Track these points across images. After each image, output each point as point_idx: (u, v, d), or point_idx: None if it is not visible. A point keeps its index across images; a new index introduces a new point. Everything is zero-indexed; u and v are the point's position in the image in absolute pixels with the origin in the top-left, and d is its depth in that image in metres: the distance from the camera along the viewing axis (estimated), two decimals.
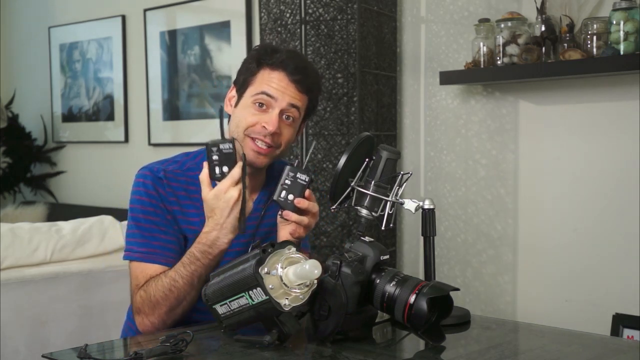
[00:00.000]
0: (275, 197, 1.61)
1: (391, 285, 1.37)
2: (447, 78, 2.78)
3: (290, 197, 1.60)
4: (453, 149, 2.93)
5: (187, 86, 4.00)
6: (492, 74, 2.65)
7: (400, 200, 1.50)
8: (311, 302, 1.37)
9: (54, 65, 4.83)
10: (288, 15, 2.87)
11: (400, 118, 3.09)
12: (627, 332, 2.43)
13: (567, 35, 2.46)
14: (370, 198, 1.48)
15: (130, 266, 1.70)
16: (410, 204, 1.52)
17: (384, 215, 1.49)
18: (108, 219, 2.89)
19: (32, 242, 2.63)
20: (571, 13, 2.49)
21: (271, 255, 1.34)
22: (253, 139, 1.66)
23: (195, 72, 3.95)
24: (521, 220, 2.77)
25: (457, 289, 1.36)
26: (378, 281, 1.39)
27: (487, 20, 2.70)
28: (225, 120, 1.75)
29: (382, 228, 1.49)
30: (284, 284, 1.32)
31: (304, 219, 1.62)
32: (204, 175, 1.57)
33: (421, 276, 1.48)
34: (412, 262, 3.08)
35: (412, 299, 1.34)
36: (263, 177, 1.79)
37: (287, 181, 1.60)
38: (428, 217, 1.54)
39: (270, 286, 1.32)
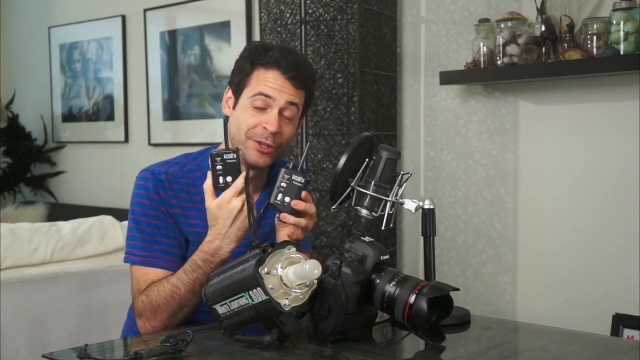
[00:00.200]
0: (271, 200, 1.61)
1: (391, 285, 1.38)
2: (447, 78, 2.78)
3: (287, 199, 1.60)
4: (453, 149, 2.93)
5: (187, 86, 4.00)
6: (492, 74, 2.64)
7: (400, 200, 1.50)
8: (311, 302, 1.37)
9: (54, 65, 4.83)
10: (288, 15, 2.87)
11: (400, 118, 3.09)
12: (627, 332, 2.43)
13: (567, 35, 2.46)
14: (370, 198, 1.48)
15: (132, 269, 1.70)
16: (410, 204, 1.52)
17: (384, 215, 1.49)
18: (108, 219, 2.89)
19: (32, 242, 2.63)
20: (571, 13, 2.49)
21: (271, 255, 1.34)
22: (254, 140, 1.66)
23: (195, 72, 3.95)
24: (521, 220, 2.77)
25: (457, 289, 1.36)
26: (378, 281, 1.39)
27: (487, 20, 2.70)
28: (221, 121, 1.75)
29: (382, 228, 1.49)
30: (284, 284, 1.32)
31: (302, 221, 1.62)
32: (208, 184, 1.58)
33: (421, 276, 1.48)
34: (412, 262, 3.08)
35: (412, 299, 1.34)
36: (264, 178, 1.79)
37: (282, 184, 1.60)
38: (428, 217, 1.55)
39: (270, 286, 1.32)
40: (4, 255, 2.54)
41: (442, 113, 2.97)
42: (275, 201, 1.60)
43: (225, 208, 1.55)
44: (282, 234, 1.64)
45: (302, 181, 1.61)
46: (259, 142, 1.66)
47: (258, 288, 1.32)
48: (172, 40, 4.05)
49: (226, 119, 1.61)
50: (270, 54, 1.67)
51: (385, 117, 2.97)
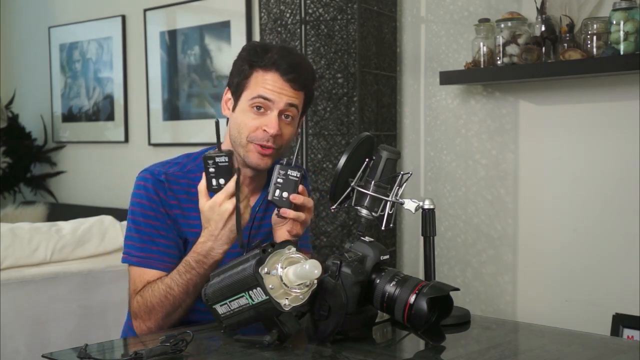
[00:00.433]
0: (269, 197, 1.61)
1: (391, 285, 1.38)
2: (447, 78, 2.78)
3: (285, 194, 1.60)
4: (453, 149, 2.93)
5: (187, 86, 4.00)
6: (492, 74, 2.64)
7: (400, 200, 1.50)
8: (311, 302, 1.37)
9: (54, 65, 4.83)
10: (288, 15, 2.87)
11: (400, 118, 3.09)
12: (627, 332, 2.43)
13: (567, 35, 2.46)
14: (370, 198, 1.48)
15: (129, 270, 1.70)
16: (410, 204, 1.52)
17: (384, 215, 1.49)
18: (108, 219, 2.90)
19: (32, 242, 2.63)
20: (571, 13, 2.49)
21: (271, 255, 1.34)
22: (255, 143, 1.66)
23: (195, 72, 3.95)
24: (521, 220, 2.77)
25: (457, 289, 1.36)
26: (378, 281, 1.39)
27: (487, 20, 2.70)
28: (224, 121, 1.75)
29: (382, 228, 1.49)
30: (284, 284, 1.32)
31: (301, 215, 1.62)
32: (202, 186, 1.58)
33: (421, 276, 1.48)
34: (412, 262, 3.08)
35: (412, 299, 1.34)
36: (264, 178, 1.79)
37: (279, 180, 1.61)
38: (428, 217, 1.55)
39: (270, 286, 1.32)
40: (4, 255, 2.54)
41: (442, 113, 2.97)
42: (274, 197, 1.61)
43: (217, 211, 1.56)
44: (281, 233, 1.64)
45: (298, 175, 1.61)
46: (260, 145, 1.66)
47: (258, 288, 1.32)
48: (172, 40, 4.05)
49: (217, 122, 1.61)
50: (268, 55, 1.66)
51: (385, 117, 2.97)
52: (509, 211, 2.79)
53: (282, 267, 1.33)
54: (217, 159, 1.56)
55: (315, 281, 1.35)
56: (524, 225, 2.76)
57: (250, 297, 1.35)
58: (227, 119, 1.75)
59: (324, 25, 2.82)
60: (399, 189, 1.49)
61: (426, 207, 1.54)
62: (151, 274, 1.65)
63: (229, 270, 1.41)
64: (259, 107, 1.65)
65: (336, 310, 1.36)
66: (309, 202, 1.63)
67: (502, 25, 2.61)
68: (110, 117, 4.46)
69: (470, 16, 2.84)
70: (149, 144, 4.20)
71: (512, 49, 2.57)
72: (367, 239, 1.44)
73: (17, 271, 2.56)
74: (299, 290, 1.33)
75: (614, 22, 2.33)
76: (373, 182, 1.48)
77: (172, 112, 4.08)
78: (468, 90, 2.88)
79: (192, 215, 1.68)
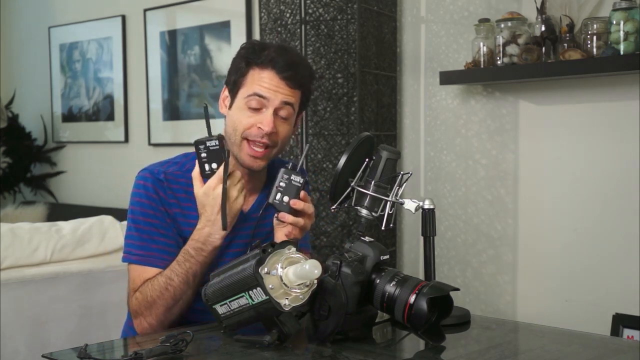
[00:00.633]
0: (270, 200, 1.62)
1: (391, 285, 1.38)
2: (447, 78, 2.78)
3: (286, 199, 1.61)
4: (453, 149, 2.93)
5: (187, 86, 4.00)
6: (492, 74, 2.64)
7: (400, 200, 1.50)
8: (311, 302, 1.37)
9: (54, 65, 4.83)
10: (288, 15, 2.87)
11: (400, 118, 3.09)
12: (627, 332, 2.43)
13: (567, 35, 2.46)
14: (370, 198, 1.48)
15: (129, 269, 1.70)
16: (410, 204, 1.52)
17: (384, 215, 1.49)
18: (108, 219, 2.89)
19: (32, 242, 2.63)
20: (571, 13, 2.49)
21: (271, 255, 1.34)
22: (250, 142, 1.66)
23: (195, 72, 3.95)
24: (521, 220, 2.77)
25: (457, 289, 1.36)
26: (378, 281, 1.39)
27: (487, 20, 2.70)
28: (222, 121, 1.75)
29: (382, 228, 1.49)
30: (284, 284, 1.32)
31: (300, 221, 1.62)
32: (196, 172, 1.60)
33: (421, 276, 1.48)
34: (412, 262, 3.08)
35: (412, 299, 1.34)
36: (264, 177, 1.79)
37: (281, 183, 1.61)
38: (428, 217, 1.55)
39: (270, 286, 1.32)
40: (4, 255, 2.54)
41: (442, 113, 2.97)
42: (274, 201, 1.61)
43: (211, 195, 1.57)
44: (280, 234, 1.64)
45: (301, 181, 1.61)
46: (254, 142, 1.66)
47: (258, 288, 1.32)
48: (172, 40, 4.05)
49: (206, 107, 1.62)
50: (265, 53, 1.66)
51: (385, 117, 2.97)
52: (509, 211, 2.79)
53: (282, 267, 1.33)
54: (208, 143, 1.58)
55: (315, 281, 1.35)
56: (524, 225, 2.76)
57: (250, 297, 1.35)
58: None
59: (324, 25, 2.82)
60: (399, 189, 1.49)
61: (426, 207, 1.54)
62: (151, 272, 1.65)
63: (229, 270, 1.41)
64: (254, 105, 1.65)
65: (336, 310, 1.36)
66: (309, 208, 1.64)
67: (502, 25, 2.61)
68: (110, 117, 4.46)
69: (470, 16, 2.84)
70: (149, 144, 4.20)
71: (512, 49, 2.57)
72: (367, 239, 1.44)
73: (17, 271, 2.56)
74: (299, 290, 1.33)
75: (614, 22, 2.33)
76: (373, 182, 1.48)
77: (172, 112, 4.08)
78: (468, 90, 2.88)
79: (192, 215, 1.68)
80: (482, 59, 2.67)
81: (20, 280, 2.53)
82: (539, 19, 2.54)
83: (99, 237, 2.81)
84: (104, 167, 4.53)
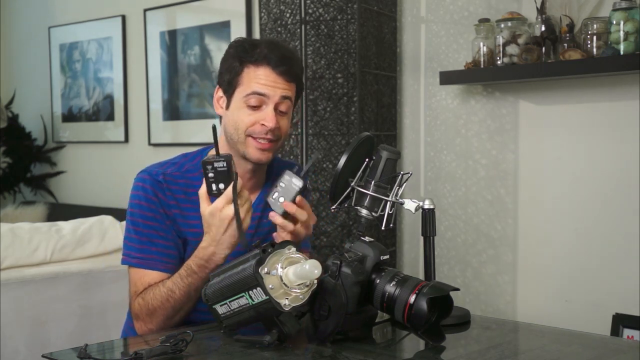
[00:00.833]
0: (267, 198, 1.61)
1: (391, 285, 1.37)
2: (447, 78, 2.78)
3: (281, 199, 1.60)
4: (453, 149, 2.93)
5: (187, 86, 4.00)
6: (492, 74, 2.64)
7: (400, 200, 1.50)
8: (311, 302, 1.37)
9: (54, 65, 4.83)
10: (288, 15, 2.87)
11: (400, 118, 3.09)
12: (627, 332, 2.43)
13: (567, 35, 2.46)
14: (370, 198, 1.48)
15: (129, 271, 1.70)
16: (410, 204, 1.52)
17: (384, 215, 1.49)
18: (108, 219, 2.90)
19: (32, 242, 2.63)
20: (571, 13, 2.49)
21: (271, 255, 1.34)
22: (254, 137, 1.66)
23: (195, 72, 3.95)
24: (521, 220, 2.77)
25: (457, 289, 1.36)
26: (378, 281, 1.39)
27: (487, 20, 2.70)
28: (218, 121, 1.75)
29: (382, 228, 1.49)
30: (284, 284, 1.32)
31: (288, 225, 1.60)
32: (202, 191, 1.57)
33: (421, 276, 1.48)
34: (412, 262, 3.08)
35: (412, 299, 1.34)
36: (263, 176, 1.79)
37: (281, 184, 1.60)
38: (428, 217, 1.55)
39: (270, 286, 1.32)
40: (4, 255, 2.54)
41: (442, 113, 2.97)
42: (270, 199, 1.61)
43: (217, 216, 1.55)
44: (283, 235, 1.64)
45: (299, 185, 1.60)
46: (260, 139, 1.66)
47: (258, 288, 1.32)
48: (172, 40, 4.05)
49: (214, 127, 1.61)
50: (258, 50, 1.66)
51: (385, 117, 2.97)
52: (509, 211, 2.79)
53: (282, 267, 1.33)
54: (216, 164, 1.54)
55: (315, 281, 1.35)
56: (524, 225, 2.76)
57: (250, 297, 1.35)
58: (220, 117, 1.75)
59: (324, 25, 2.82)
60: (399, 189, 1.49)
61: (426, 207, 1.54)
62: (151, 275, 1.65)
63: (229, 271, 1.41)
64: (254, 103, 1.65)
65: (336, 310, 1.36)
66: (302, 215, 1.60)
67: (502, 25, 2.61)
68: (110, 117, 4.46)
69: (470, 16, 2.84)
70: (149, 144, 4.20)
71: (512, 49, 2.57)
72: (367, 239, 1.44)
73: (17, 271, 2.56)
74: (299, 290, 1.33)
75: (614, 22, 2.33)
76: (373, 182, 1.48)
77: (172, 112, 4.08)
78: (468, 90, 2.88)
79: (191, 215, 1.68)
80: (482, 59, 2.67)
81: (20, 280, 2.53)
82: (539, 19, 2.54)
83: (99, 237, 2.81)
84: (104, 167, 4.53)
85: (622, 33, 2.32)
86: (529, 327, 1.67)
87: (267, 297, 1.32)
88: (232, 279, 1.39)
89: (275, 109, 1.66)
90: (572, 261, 2.64)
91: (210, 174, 1.55)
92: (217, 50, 3.83)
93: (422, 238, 1.57)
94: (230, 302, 1.40)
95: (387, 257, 1.43)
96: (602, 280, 2.56)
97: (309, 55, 2.83)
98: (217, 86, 1.73)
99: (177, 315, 1.62)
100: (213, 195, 1.56)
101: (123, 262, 1.70)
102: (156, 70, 4.13)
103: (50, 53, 4.84)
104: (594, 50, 2.39)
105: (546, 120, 2.69)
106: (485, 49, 2.67)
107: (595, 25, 2.39)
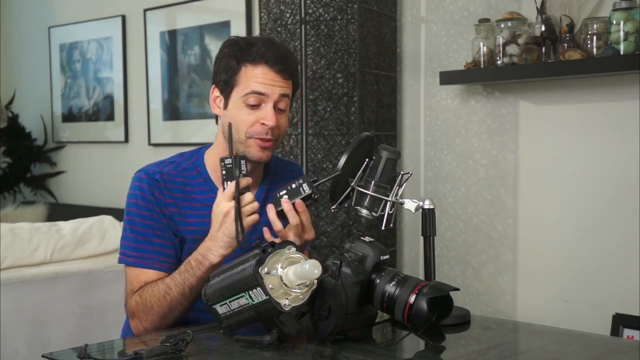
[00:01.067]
0: (275, 192, 1.63)
1: (391, 285, 1.38)
2: (447, 78, 2.78)
3: (285, 197, 1.61)
4: (453, 149, 2.93)
5: (187, 86, 4.00)
6: (492, 74, 2.64)
7: (400, 200, 1.50)
8: (311, 302, 1.37)
9: (54, 65, 4.83)
10: (288, 15, 2.87)
11: (400, 118, 3.09)
12: (627, 332, 2.43)
13: (567, 35, 2.46)
14: (370, 198, 1.48)
15: (125, 270, 1.70)
16: (410, 204, 1.52)
17: (384, 215, 1.49)
18: (108, 219, 2.90)
19: (32, 242, 2.63)
20: (571, 13, 2.49)
21: (271, 255, 1.34)
22: (254, 138, 1.67)
23: (195, 72, 3.95)
24: (521, 220, 2.77)
25: (457, 289, 1.37)
26: (378, 281, 1.39)
27: (487, 20, 2.70)
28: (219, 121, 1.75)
29: (382, 228, 1.49)
30: (284, 284, 1.32)
31: (277, 223, 1.61)
32: (220, 188, 1.61)
33: (421, 276, 1.48)
34: (412, 262, 3.08)
35: (412, 299, 1.34)
36: (261, 173, 1.79)
37: (293, 185, 1.62)
38: (428, 217, 1.55)
39: (270, 286, 1.32)
40: (4, 255, 2.54)
41: (442, 113, 2.97)
42: (277, 194, 1.62)
43: (215, 211, 1.58)
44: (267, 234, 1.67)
45: (306, 192, 1.60)
46: (260, 139, 1.66)
47: (258, 288, 1.32)
48: (172, 40, 4.05)
49: (230, 125, 1.62)
50: (254, 48, 1.66)
51: (385, 117, 2.97)
52: (509, 211, 2.79)
53: (282, 267, 1.33)
54: (227, 161, 1.59)
55: (315, 281, 1.35)
56: (524, 225, 2.76)
57: (250, 297, 1.35)
58: (217, 116, 1.75)
59: (324, 25, 2.82)
60: (399, 189, 1.50)
61: (426, 207, 1.54)
62: (148, 274, 1.66)
63: (229, 270, 1.42)
64: (253, 102, 1.65)
65: (336, 310, 1.36)
66: (294, 217, 1.59)
67: (502, 25, 2.61)
68: (110, 117, 4.46)
69: (470, 16, 2.84)
70: (149, 144, 4.20)
71: (512, 49, 2.57)
72: (367, 239, 1.44)
73: (17, 271, 2.56)
74: (299, 290, 1.33)
75: (614, 22, 2.33)
76: (373, 182, 1.48)
77: (172, 112, 4.08)
78: (468, 90, 2.88)
79: (188, 214, 1.69)
80: (482, 59, 2.67)
81: (20, 280, 2.53)
82: (539, 19, 2.54)
83: (99, 237, 2.81)
84: (104, 167, 4.53)
85: (622, 33, 2.31)
86: (529, 327, 1.67)
87: (267, 297, 1.32)
88: (232, 279, 1.39)
89: (274, 107, 1.67)
90: (572, 261, 2.64)
91: (223, 171, 1.60)
92: (217, 51, 3.82)
93: (422, 238, 1.57)
94: (230, 302, 1.40)
95: (387, 257, 1.43)
96: (602, 280, 2.56)
97: (309, 55, 2.83)
98: (213, 85, 1.73)
99: (172, 314, 1.62)
100: None
101: (120, 261, 1.71)
102: (156, 70, 4.13)
103: (50, 53, 4.84)
104: (594, 50, 2.39)
105: (546, 120, 2.69)
106: (485, 49, 2.67)
107: (595, 25, 2.39)
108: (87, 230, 2.79)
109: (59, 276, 2.62)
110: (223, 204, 1.56)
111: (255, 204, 1.58)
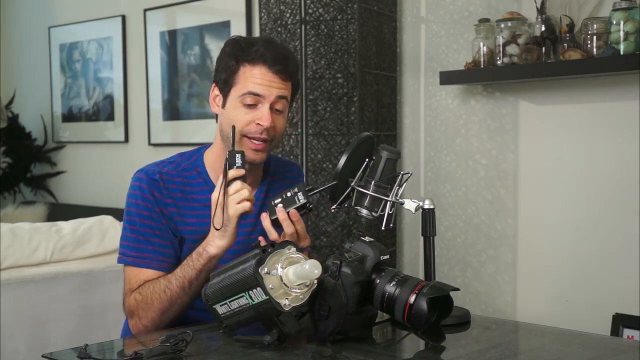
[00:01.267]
0: (270, 200, 1.62)
1: (391, 285, 1.38)
2: (447, 78, 2.78)
3: (280, 206, 1.60)
4: (453, 149, 2.93)
5: (187, 86, 4.00)
6: (492, 74, 2.64)
7: (400, 200, 1.50)
8: (311, 302, 1.37)
9: (54, 65, 4.83)
10: (288, 15, 2.87)
11: (400, 118, 3.09)
12: (627, 332, 2.43)
13: (567, 35, 2.46)
14: (370, 198, 1.48)
15: (124, 269, 1.71)
16: (410, 204, 1.52)
17: (384, 215, 1.49)
18: (108, 219, 2.90)
19: (32, 242, 2.63)
20: (571, 13, 2.49)
21: (271, 255, 1.34)
22: (250, 138, 1.67)
23: (195, 72, 3.95)
24: (521, 220, 2.77)
25: (457, 289, 1.37)
26: (378, 281, 1.39)
27: (487, 20, 2.70)
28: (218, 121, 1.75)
29: (382, 228, 1.49)
30: (284, 284, 1.32)
31: (272, 233, 1.61)
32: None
33: (421, 276, 1.48)
34: (412, 262, 3.08)
35: (412, 299, 1.34)
36: (260, 173, 1.79)
37: (288, 193, 1.61)
38: (428, 217, 1.55)
39: (270, 286, 1.32)
40: (4, 255, 2.54)
41: (442, 113, 2.97)
42: (271, 202, 1.61)
43: (211, 203, 1.59)
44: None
45: (301, 201, 1.60)
46: (254, 139, 1.66)
47: (258, 288, 1.32)
48: (172, 40, 4.05)
49: (233, 127, 1.62)
50: (254, 48, 1.66)
51: (385, 117, 2.97)
52: (509, 211, 2.79)
53: (282, 267, 1.33)
54: (227, 156, 1.59)
55: (315, 281, 1.35)
56: (524, 225, 2.76)
57: (250, 297, 1.35)
58: (216, 115, 1.75)
59: (324, 25, 2.82)
60: (399, 189, 1.50)
61: (426, 207, 1.54)
62: (147, 273, 1.66)
63: (229, 270, 1.42)
64: (250, 102, 1.65)
65: (336, 310, 1.36)
66: (288, 226, 1.59)
67: (502, 25, 2.61)
68: (110, 117, 4.46)
69: (470, 16, 2.84)
70: (149, 144, 4.20)
71: (512, 49, 2.57)
72: (367, 239, 1.44)
73: (17, 271, 2.56)
74: (299, 290, 1.33)
75: (614, 22, 2.33)
76: (373, 182, 1.48)
77: (172, 112, 4.08)
78: (468, 90, 2.88)
79: (188, 214, 1.69)
80: (482, 59, 2.67)
81: (20, 280, 2.53)
82: (539, 19, 2.54)
83: (99, 237, 2.81)
84: (104, 167, 4.53)
85: (622, 33, 2.32)
86: (529, 327, 1.67)
87: (267, 297, 1.32)
88: (232, 279, 1.39)
89: (271, 107, 1.67)
90: (572, 261, 2.64)
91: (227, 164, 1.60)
92: (217, 50, 3.79)
93: (422, 238, 1.57)
94: (230, 302, 1.40)
95: (387, 257, 1.43)
96: (602, 280, 2.56)
97: (309, 55, 2.83)
98: (214, 84, 1.74)
99: (172, 310, 1.62)
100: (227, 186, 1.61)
101: (119, 260, 1.71)
102: (156, 70, 4.13)
103: (50, 53, 4.84)
104: (594, 50, 2.39)
105: (546, 120, 2.69)
106: (485, 49, 2.67)
107: (595, 25, 2.39)
108: (87, 230, 2.79)
109: (59, 276, 2.62)
110: (213, 194, 1.57)
111: (244, 192, 1.56)
